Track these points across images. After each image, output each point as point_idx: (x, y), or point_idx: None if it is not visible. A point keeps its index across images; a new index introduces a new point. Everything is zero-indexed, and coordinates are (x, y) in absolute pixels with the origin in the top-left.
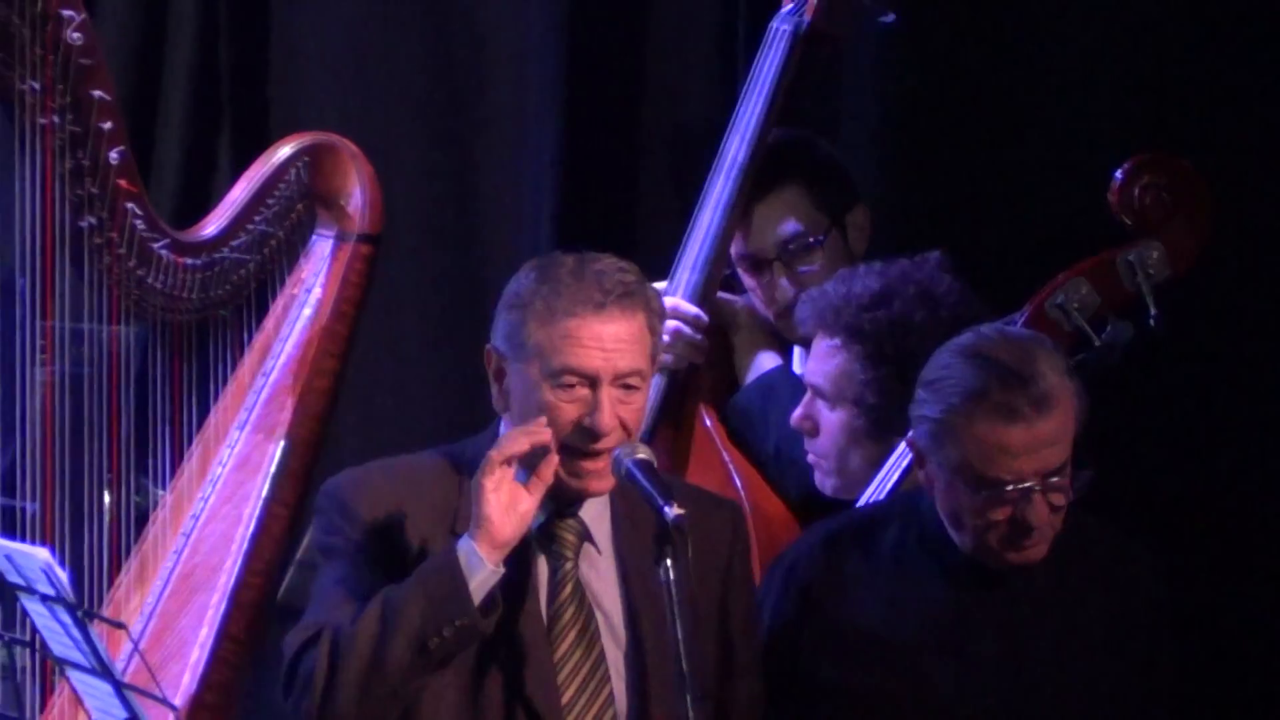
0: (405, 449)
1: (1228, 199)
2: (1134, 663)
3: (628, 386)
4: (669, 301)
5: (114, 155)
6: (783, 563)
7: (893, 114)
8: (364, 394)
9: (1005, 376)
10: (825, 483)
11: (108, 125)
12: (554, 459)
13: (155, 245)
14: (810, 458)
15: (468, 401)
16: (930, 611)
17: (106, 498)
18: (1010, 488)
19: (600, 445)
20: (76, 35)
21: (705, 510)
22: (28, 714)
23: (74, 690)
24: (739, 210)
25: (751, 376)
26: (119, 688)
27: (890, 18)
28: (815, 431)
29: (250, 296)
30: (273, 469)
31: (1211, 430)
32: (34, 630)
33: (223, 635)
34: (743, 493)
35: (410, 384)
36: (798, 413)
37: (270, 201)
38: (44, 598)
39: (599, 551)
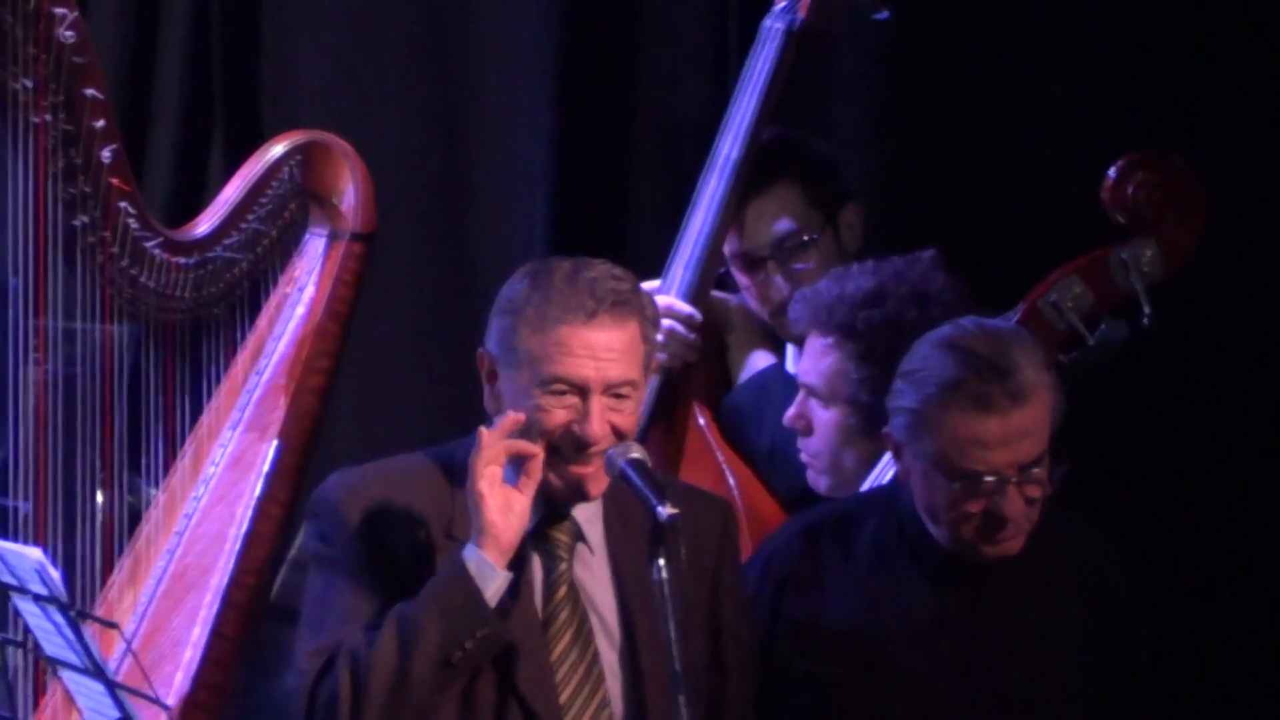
0: (398, 448)
1: (1221, 197)
2: (1110, 659)
3: (619, 395)
4: (662, 300)
5: (106, 154)
6: (760, 555)
7: (886, 112)
8: (357, 393)
9: (981, 368)
10: (819, 481)
11: (100, 124)
12: (540, 457)
13: (148, 244)
14: (804, 456)
15: (460, 401)
16: (907, 605)
17: (99, 497)
18: (985, 479)
19: (591, 453)
20: (69, 33)
21: (696, 508)
22: (20, 714)
23: (67, 690)
24: (732, 209)
25: (745, 375)
26: (112, 687)
27: (883, 15)
28: (809, 430)
29: (243, 295)
30: (266, 468)
31: (1204, 429)
32: (27, 630)
33: (215, 635)
34: (736, 491)
35: (403, 383)
36: (791, 411)
37: (263, 200)
38: (36, 597)
39: (592, 552)
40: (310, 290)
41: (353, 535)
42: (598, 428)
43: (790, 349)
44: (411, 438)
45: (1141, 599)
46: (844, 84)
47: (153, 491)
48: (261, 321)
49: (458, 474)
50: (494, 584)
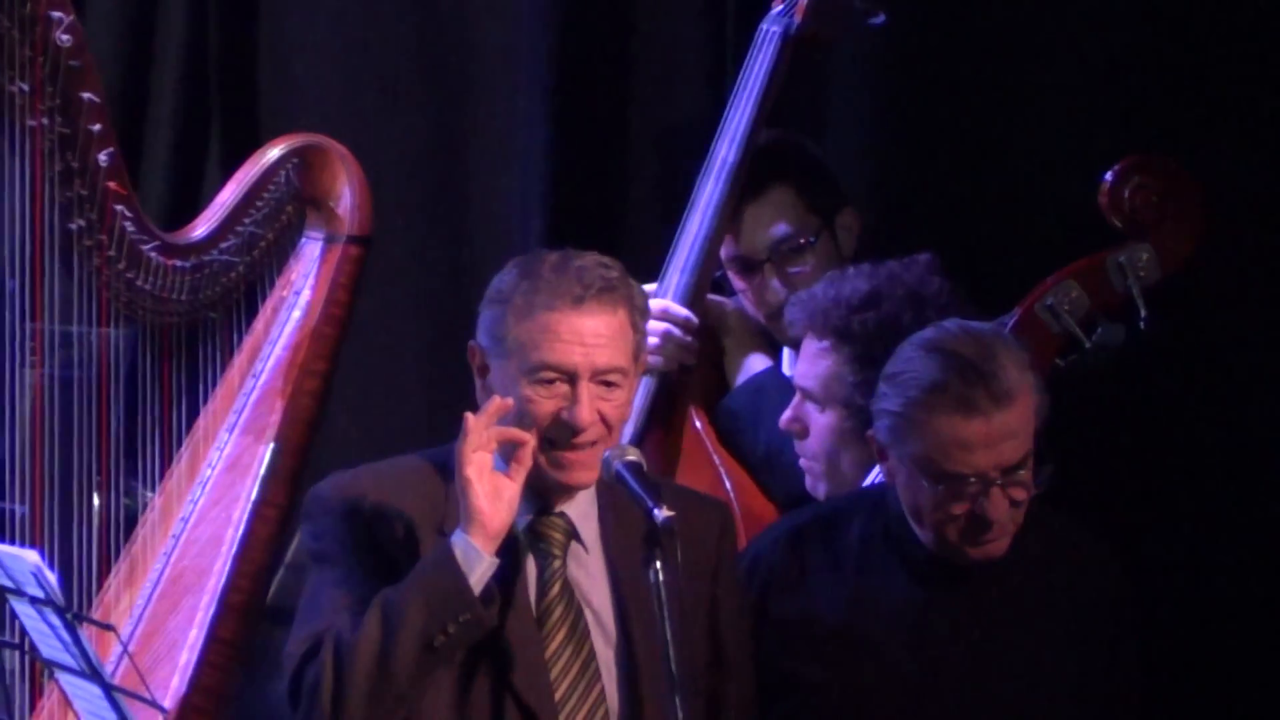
0: (395, 450)
1: (1217, 200)
2: (1096, 660)
3: (607, 383)
4: (659, 304)
5: (103, 157)
6: (746, 556)
7: (882, 115)
8: (353, 396)
9: (964, 370)
10: (815, 485)
11: (97, 127)
12: (531, 443)
13: (145, 247)
14: (800, 460)
15: (457, 403)
16: (893, 606)
17: (96, 500)
18: (969, 482)
19: (580, 440)
20: (65, 37)
21: (693, 510)
22: (17, 717)
23: (63, 693)
24: (729, 212)
25: (742, 378)
26: (108, 690)
27: (880, 19)
28: (805, 434)
29: (240, 299)
30: (262, 471)
31: (1201, 432)
32: (23, 632)
33: (212, 638)
34: (733, 494)
35: (399, 385)
36: (787, 415)
37: (259, 203)
38: (33, 600)
39: (586, 550)
40: (307, 293)
41: (346, 534)
42: (586, 413)
43: (787, 352)
44: (408, 440)
45: (1127, 599)
46: (840, 88)
47: (149, 494)
48: (258, 324)
49: (452, 473)
50: (479, 569)
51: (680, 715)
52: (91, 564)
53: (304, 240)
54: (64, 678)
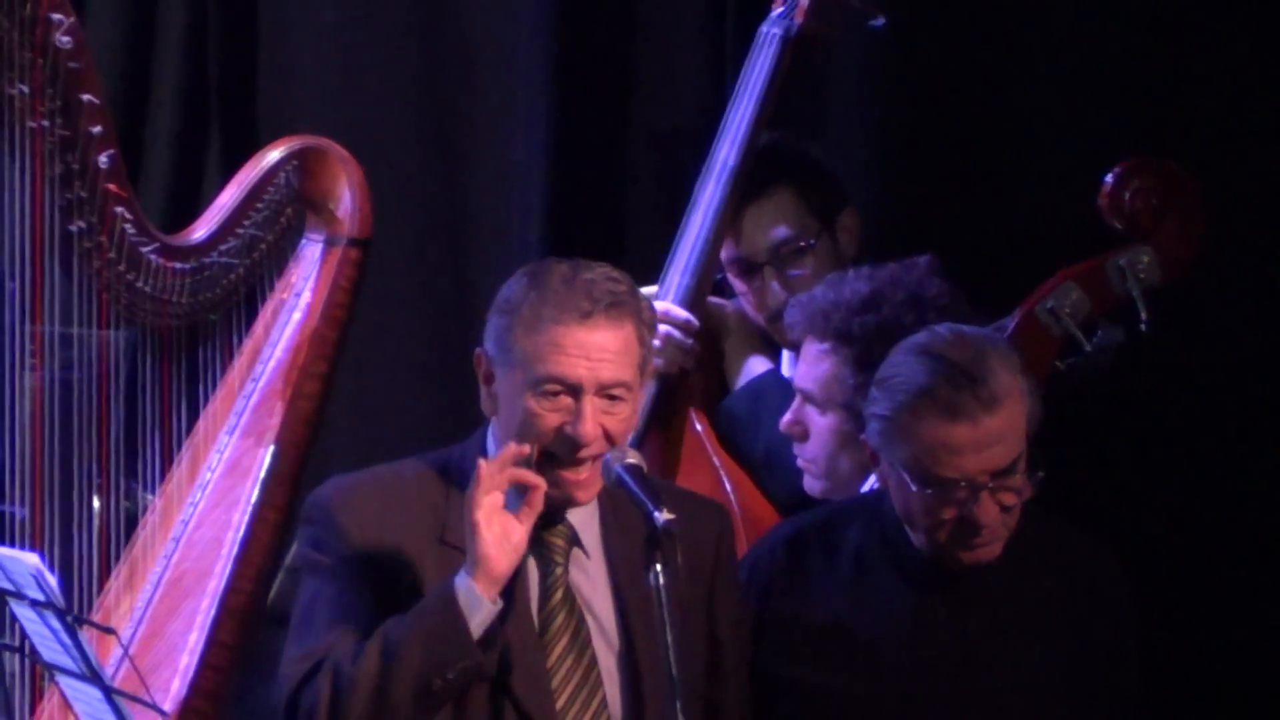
0: (395, 454)
1: (1218, 203)
2: (1095, 664)
3: (612, 397)
4: (659, 306)
5: (103, 159)
6: (747, 560)
7: (883, 118)
8: (354, 398)
9: (953, 375)
10: (815, 487)
11: (97, 129)
12: (542, 488)
13: (145, 249)
14: (800, 462)
15: (458, 405)
16: (890, 611)
17: (96, 502)
18: (958, 486)
19: (583, 455)
20: (65, 39)
21: (692, 513)
22: None
23: (63, 696)
24: (729, 214)
25: (742, 381)
26: (108, 693)
27: (880, 21)
28: (805, 436)
29: (240, 301)
30: (262, 473)
31: (1202, 434)
32: (23, 635)
33: (212, 640)
34: (733, 497)
35: (400, 388)
36: (787, 417)
37: (259, 206)
38: (33, 603)
39: (588, 556)
40: (307, 296)
41: (344, 540)
42: (590, 428)
43: (786, 354)
44: (409, 443)
45: (1126, 603)
46: (840, 90)
47: (149, 497)
48: (258, 327)
49: (453, 477)
50: (480, 614)
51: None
52: (91, 567)
53: (304, 243)
54: (64, 681)
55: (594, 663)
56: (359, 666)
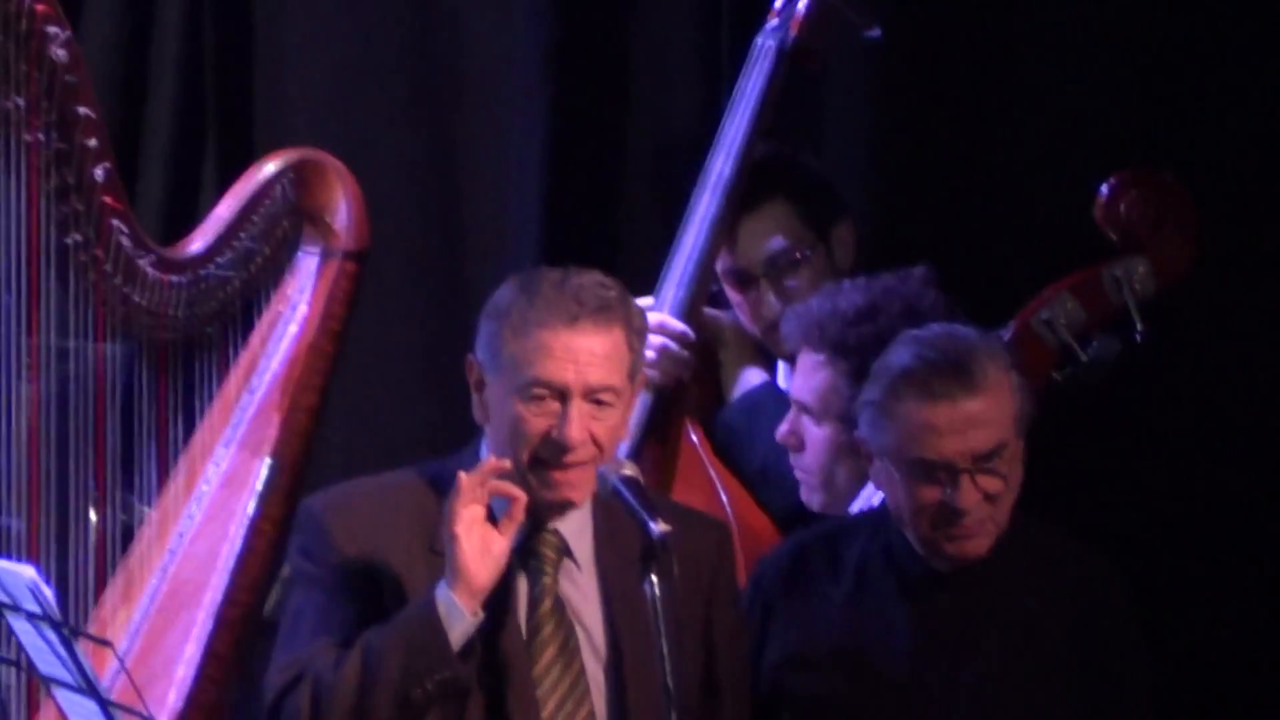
0: (391, 465)
1: (1213, 213)
2: (1099, 675)
3: (599, 402)
4: (655, 318)
5: (99, 172)
6: (753, 574)
7: (878, 129)
8: (350, 411)
9: (936, 360)
10: (811, 498)
11: (93, 142)
12: (523, 500)
13: (141, 262)
14: (796, 473)
15: (453, 417)
16: (893, 624)
17: (92, 515)
18: (937, 467)
19: (570, 459)
20: (61, 52)
21: (691, 528)
22: None
23: (59, 709)
24: (725, 226)
25: (738, 392)
26: (105, 706)
27: (875, 33)
28: (801, 447)
29: (236, 314)
30: (259, 486)
31: (1198, 444)
32: (20, 648)
33: (209, 653)
34: (729, 509)
35: (396, 400)
36: (783, 428)
37: (256, 218)
38: (29, 615)
39: (579, 567)
40: (303, 308)
41: (334, 550)
42: (576, 432)
43: (783, 366)
44: (405, 455)
45: (1129, 613)
46: (836, 101)
47: (146, 509)
48: (254, 340)
49: (446, 487)
50: (460, 626)
51: None
52: (88, 579)
53: (300, 255)
54: (60, 693)
55: (581, 673)
56: (339, 675)
